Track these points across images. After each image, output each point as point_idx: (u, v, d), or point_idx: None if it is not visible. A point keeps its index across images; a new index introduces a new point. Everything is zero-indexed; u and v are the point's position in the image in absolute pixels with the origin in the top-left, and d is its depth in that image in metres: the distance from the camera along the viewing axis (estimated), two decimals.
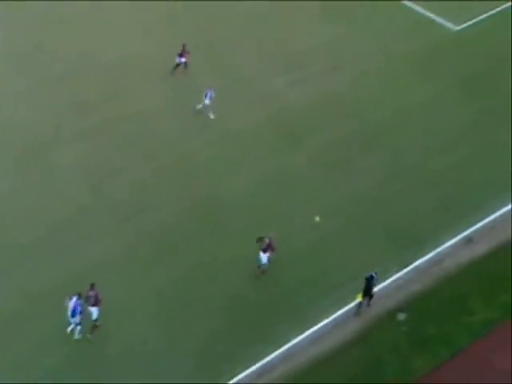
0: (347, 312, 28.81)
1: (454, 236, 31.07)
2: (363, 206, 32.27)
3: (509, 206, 32.46)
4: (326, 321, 28.46)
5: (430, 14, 43.18)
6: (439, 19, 42.79)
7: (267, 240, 29.32)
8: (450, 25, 42.41)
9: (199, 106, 36.65)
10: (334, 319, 28.53)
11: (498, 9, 43.61)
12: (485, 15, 43.01)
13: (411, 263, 30.33)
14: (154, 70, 39.20)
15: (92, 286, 27.49)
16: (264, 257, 29.58)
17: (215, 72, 39.26)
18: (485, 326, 28.29)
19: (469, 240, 31.53)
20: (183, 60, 39.18)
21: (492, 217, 32.11)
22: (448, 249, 30.64)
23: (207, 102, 36.39)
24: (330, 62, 40.03)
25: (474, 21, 42.64)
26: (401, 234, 31.33)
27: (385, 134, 35.63)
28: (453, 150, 35.02)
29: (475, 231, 31.58)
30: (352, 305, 29.15)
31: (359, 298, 29.06)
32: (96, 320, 27.84)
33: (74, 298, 27.16)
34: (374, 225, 31.73)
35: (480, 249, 31.11)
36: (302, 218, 31.88)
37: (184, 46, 39.04)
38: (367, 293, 28.88)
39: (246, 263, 29.95)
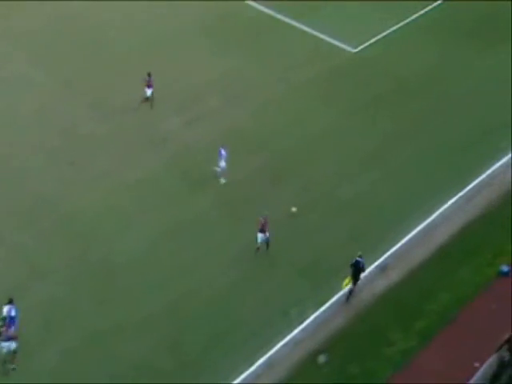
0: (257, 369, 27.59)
1: (369, 265, 30.65)
2: (273, 245, 31.39)
3: (420, 227, 32.50)
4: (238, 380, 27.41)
5: (327, 37, 42.97)
6: (337, 42, 42.68)
7: (262, 220, 30.74)
8: (348, 47, 42.35)
9: (217, 169, 34.03)
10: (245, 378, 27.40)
11: (394, 27, 43.68)
12: (382, 34, 43.10)
13: (328, 299, 29.81)
14: None
15: None
16: (261, 236, 30.94)
17: (101, 118, 37.22)
18: (404, 357, 27.87)
19: (383, 268, 31.27)
20: (150, 92, 37.38)
21: (404, 240, 31.93)
22: (364, 279, 30.22)
23: (223, 164, 33.88)
24: (228, 96, 39.04)
25: (371, 41, 42.70)
26: (314, 269, 30.72)
27: (293, 165, 35.12)
28: (361, 176, 34.73)
29: (389, 258, 31.33)
30: (340, 294, 29.42)
31: (346, 285, 29.25)
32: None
33: None
34: (285, 263, 31.02)
35: (395, 275, 30.84)
36: (207, 270, 30.62)
37: (149, 74, 37.20)
38: (356, 278, 29.31)
39: (152, 329, 28.31)
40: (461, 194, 34.03)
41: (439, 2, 45.93)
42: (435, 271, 31.13)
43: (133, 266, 30.56)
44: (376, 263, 31.05)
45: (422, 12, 45.05)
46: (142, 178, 34.35)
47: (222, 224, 32.41)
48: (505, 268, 30.78)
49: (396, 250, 31.64)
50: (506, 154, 35.96)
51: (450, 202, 33.62)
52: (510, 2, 45.40)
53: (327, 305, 29.57)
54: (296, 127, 37.21)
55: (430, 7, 45.48)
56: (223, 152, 33.82)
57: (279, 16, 44.73)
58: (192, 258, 31.04)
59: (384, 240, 31.75)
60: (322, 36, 43.09)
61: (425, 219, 32.58)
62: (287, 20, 44.33)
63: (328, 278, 30.29)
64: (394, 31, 43.55)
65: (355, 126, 37.19)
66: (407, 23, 44.11)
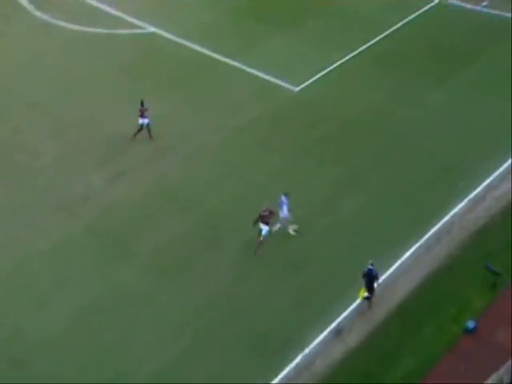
0: None
1: (322, 331, 27.63)
2: (214, 315, 28.12)
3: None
4: None
5: (267, 76, 40.43)
6: (278, 81, 40.10)
7: (266, 212, 30.10)
8: (290, 86, 39.79)
9: (276, 227, 31.28)
10: None
11: (338, 62, 41.48)
12: (326, 70, 40.75)
13: (278, 374, 26.49)
14: None
15: None
16: (265, 229, 30.24)
17: (6, 178, 33.87)
18: None
19: (338, 332, 28.11)
20: (146, 121, 35.62)
21: (359, 300, 28.98)
22: (317, 346, 27.17)
23: (286, 212, 31.26)
24: (157, 145, 35.92)
25: (315, 78, 40.27)
26: (263, 342, 27.42)
27: (233, 223, 31.84)
28: (308, 229, 31.78)
29: (344, 320, 28.19)
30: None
31: (362, 295, 28.31)
32: None
33: None
34: (230, 337, 27.64)
35: (351, 340, 27.64)
36: (137, 349, 27.12)
37: (142, 102, 35.52)
38: (371, 287, 28.36)
39: None
40: (419, 243, 31.30)
41: (386, 33, 43.90)
42: (396, 332, 28.02)
43: (47, 352, 26.76)
44: (329, 328, 27.92)
45: (368, 44, 42.88)
46: (57, 245, 30.73)
47: (155, 293, 28.98)
48: (470, 324, 28.08)
49: (351, 312, 28.59)
50: (466, 196, 33.35)
51: (407, 254, 30.80)
52: (460, 34, 43.72)
53: (277, 379, 26.28)
54: (235, 177, 34.26)
55: (376, 39, 43.37)
56: (284, 199, 31.22)
57: (215, 55, 42.21)
58: (120, 335, 27.54)
59: (337, 301, 28.68)
60: (261, 75, 40.53)
61: (381, 275, 29.65)
62: (223, 59, 41.82)
63: (278, 351, 26.96)
64: (339, 66, 41.22)
65: (301, 173, 34.38)
66: (352, 57, 41.94)
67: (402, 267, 30.29)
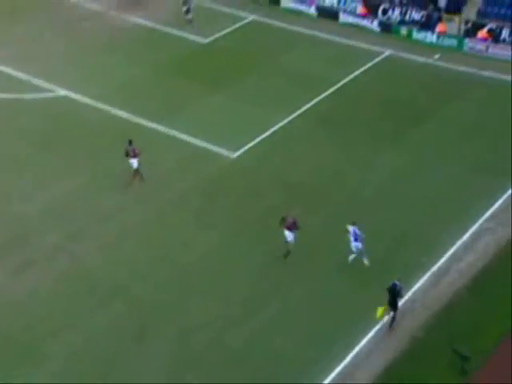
0: None
1: None
2: None
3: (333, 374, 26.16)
4: None
5: (201, 141, 37.49)
6: (213, 147, 37.10)
7: (290, 219, 30.10)
8: (226, 152, 36.76)
9: (351, 257, 30.12)
10: None
11: (279, 125, 38.55)
12: (266, 133, 37.88)
13: None
14: None
15: None
16: (290, 234, 30.17)
17: None
18: None
19: None
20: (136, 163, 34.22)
21: None
22: None
23: (356, 243, 29.92)
24: (70, 228, 32.30)
25: (255, 142, 37.31)
26: None
27: (162, 314, 28.23)
28: (252, 316, 28.11)
29: None
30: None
31: (380, 315, 27.32)
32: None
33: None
34: None
35: None
36: None
37: (131, 141, 34.17)
38: (394, 305, 27.58)
39: None
40: (379, 325, 27.96)
41: (332, 89, 41.68)
42: None
43: None
44: None
45: (313, 103, 40.48)
46: None
47: None
48: None
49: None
50: (428, 269, 30.18)
51: (367, 338, 27.46)
52: (412, 90, 41.75)
53: None
54: (164, 260, 30.66)
55: (321, 97, 41.01)
56: (356, 230, 29.93)
57: (138, 119, 39.28)
58: None
59: None
60: (193, 140, 37.60)
61: (333, 369, 26.40)
62: (148, 123, 38.88)
63: None
64: (281, 128, 38.44)
65: (241, 251, 30.98)
66: (296, 117, 39.36)
67: (362, 353, 27.10)
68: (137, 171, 34.38)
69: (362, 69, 43.91)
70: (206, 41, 47.26)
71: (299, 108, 39.95)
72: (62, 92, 41.95)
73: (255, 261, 30.57)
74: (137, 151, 34.10)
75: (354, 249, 30.06)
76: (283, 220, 30.18)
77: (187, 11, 50.53)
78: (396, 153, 36.42)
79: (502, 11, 46.93)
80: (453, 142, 37.49)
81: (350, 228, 30.12)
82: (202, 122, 39.04)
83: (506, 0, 47.12)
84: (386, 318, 27.98)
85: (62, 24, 49.66)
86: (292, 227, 30.17)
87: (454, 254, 30.75)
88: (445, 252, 30.74)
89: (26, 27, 49.23)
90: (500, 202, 33.51)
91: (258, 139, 37.54)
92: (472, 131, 38.29)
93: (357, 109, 40.26)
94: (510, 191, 34.07)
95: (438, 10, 48.08)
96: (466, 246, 31.11)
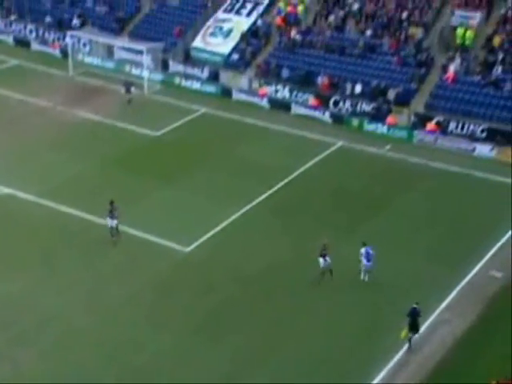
0: None
1: None
2: None
3: None
4: None
5: (152, 237, 37.20)
6: (165, 241, 36.82)
7: (323, 246, 34.22)
8: (177, 246, 36.57)
9: (364, 276, 34.46)
10: None
11: (232, 217, 38.73)
12: (221, 226, 37.99)
13: None
14: None
15: None
16: (322, 261, 34.19)
17: None
18: None
19: None
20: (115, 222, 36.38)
21: None
22: None
23: (368, 264, 34.07)
24: (10, 333, 30.84)
25: (208, 235, 37.28)
26: None
27: None
28: None
29: None
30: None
31: (404, 336, 30.41)
32: None
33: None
34: None
35: None
36: None
37: (112, 202, 36.34)
38: (415, 326, 30.52)
39: None
40: None
41: (286, 180, 42.32)
42: None
43: None
44: None
45: (267, 194, 40.94)
46: None
47: None
48: None
49: None
50: (387, 362, 29.76)
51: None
52: (365, 180, 42.73)
53: None
54: (114, 360, 29.61)
55: (275, 188, 41.57)
56: (369, 250, 33.99)
57: (86, 215, 38.71)
58: None
59: None
60: (143, 235, 37.22)
61: None
62: (96, 219, 38.16)
63: None
64: (235, 220, 38.56)
65: (194, 352, 30.27)
66: (250, 209, 39.63)
67: None
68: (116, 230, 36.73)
69: (315, 160, 44.71)
70: (157, 134, 47.62)
71: (252, 200, 40.21)
72: (6, 190, 41.20)
73: (208, 361, 29.87)
74: (115, 212, 36.46)
75: (366, 268, 34.20)
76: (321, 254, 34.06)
77: (127, 90, 52.05)
78: (351, 244, 36.61)
79: (448, 105, 48.69)
80: (406, 233, 38.03)
81: (363, 250, 33.87)
82: (153, 216, 38.84)
83: (451, 94, 49.09)
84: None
85: (7, 120, 49.41)
86: (325, 254, 34.16)
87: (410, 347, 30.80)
88: (402, 345, 30.73)
89: None
90: (454, 292, 33.86)
91: (211, 233, 37.47)
92: (424, 222, 38.97)
93: (310, 200, 40.74)
94: (463, 281, 34.53)
95: (388, 102, 49.62)
96: (423, 338, 31.19)
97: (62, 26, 60.23)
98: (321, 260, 34.14)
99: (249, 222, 38.79)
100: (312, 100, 50.84)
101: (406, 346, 30.61)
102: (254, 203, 40.21)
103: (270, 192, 41.26)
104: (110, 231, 36.56)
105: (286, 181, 42.45)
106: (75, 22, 59.71)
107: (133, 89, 52.81)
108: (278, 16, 56.22)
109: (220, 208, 39.45)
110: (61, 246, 36.54)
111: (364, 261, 33.88)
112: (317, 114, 50.24)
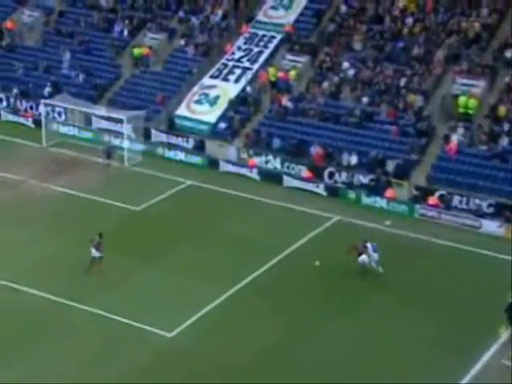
0: None
1: None
2: None
3: None
4: None
5: (131, 321, 36.87)
6: (145, 326, 36.50)
7: (360, 245, 41.03)
8: (161, 332, 36.22)
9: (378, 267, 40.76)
10: None
11: (218, 299, 38.61)
12: (203, 311, 37.71)
13: None
14: None
15: None
16: (361, 259, 40.96)
17: None
18: None
19: None
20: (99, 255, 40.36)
21: None
22: None
23: (375, 254, 41.02)
24: None
25: (192, 320, 36.95)
26: None
27: None
28: None
29: None
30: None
31: (502, 329, 34.15)
32: None
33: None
34: None
35: None
36: None
37: (101, 235, 40.61)
38: None
39: None
40: None
41: (275, 260, 42.13)
42: None
43: None
44: None
45: (256, 274, 40.80)
46: None
47: None
48: None
49: None
50: None
51: None
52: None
53: None
54: None
55: (264, 268, 41.48)
56: (374, 244, 41.11)
57: (59, 299, 38.29)
58: None
59: None
60: (121, 319, 36.83)
61: None
62: (68, 302, 37.88)
63: None
64: (222, 303, 38.43)
65: None
66: (238, 290, 39.52)
67: None
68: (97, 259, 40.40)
69: (309, 236, 44.83)
70: (138, 208, 47.71)
71: (240, 281, 40.07)
72: None
73: None
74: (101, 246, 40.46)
75: (375, 259, 40.75)
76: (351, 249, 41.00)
77: (108, 156, 53.00)
78: (346, 327, 36.65)
79: (451, 177, 49.11)
80: (407, 316, 37.96)
81: (368, 244, 40.96)
82: (134, 299, 38.54)
83: (455, 167, 49.54)
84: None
85: None
86: (362, 253, 40.96)
87: None
88: None
89: None
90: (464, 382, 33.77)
91: (195, 316, 37.17)
92: (426, 304, 38.98)
93: (302, 280, 40.64)
94: (472, 371, 34.29)
95: (386, 174, 50.01)
96: None
97: (34, 94, 60.74)
98: (360, 259, 40.81)
99: (235, 304, 38.57)
100: (305, 172, 51.18)
101: None
102: (242, 283, 40.06)
103: (260, 271, 41.20)
104: (90, 261, 40.32)
105: (277, 259, 42.41)
106: (48, 89, 60.14)
107: (114, 155, 53.32)
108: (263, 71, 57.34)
109: (205, 289, 39.32)
110: (32, 332, 36.13)
111: (374, 254, 40.66)
112: (310, 186, 50.38)
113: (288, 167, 52.01)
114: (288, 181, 51.16)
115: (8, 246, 43.24)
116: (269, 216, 47.23)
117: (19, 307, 37.96)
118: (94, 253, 40.20)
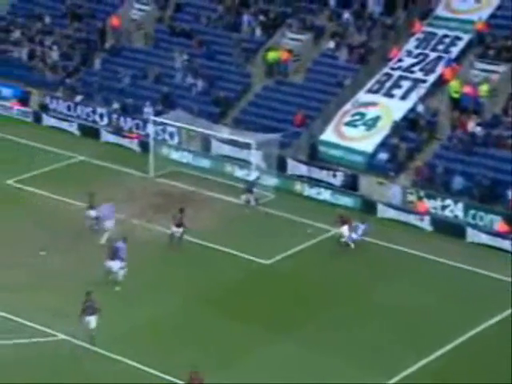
0: None
1: None
2: None
3: None
4: None
5: None
6: None
7: (341, 218, 47.37)
8: None
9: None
10: None
11: None
12: None
13: None
14: None
15: None
16: (345, 230, 47.23)
17: None
18: None
19: None
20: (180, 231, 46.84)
21: None
22: None
23: (355, 235, 47.05)
24: None
25: None
26: None
27: None
28: None
29: None
30: None
31: None
32: None
33: None
34: None
35: None
36: None
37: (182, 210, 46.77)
38: None
39: None
40: None
41: (453, 344, 39.23)
42: None
43: None
44: None
45: (424, 362, 37.82)
46: None
47: None
48: None
49: None
50: None
51: None
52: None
53: None
54: None
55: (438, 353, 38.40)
56: (363, 227, 47.14)
57: (159, 373, 36.85)
58: None
59: None
60: None
61: None
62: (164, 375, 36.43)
63: None
64: None
65: None
66: (403, 378, 37.41)
67: None
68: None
69: (504, 314, 41.92)
70: (267, 262, 46.71)
71: (405, 368, 37.46)
72: (61, 336, 40.21)
73: None
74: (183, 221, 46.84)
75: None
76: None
77: (249, 191, 52.92)
78: None
79: None
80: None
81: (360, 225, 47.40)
82: (255, 378, 37.10)
83: None
84: None
85: (68, 236, 48.18)
86: (345, 223, 47.02)
87: None
88: None
89: None
90: None
91: None
92: None
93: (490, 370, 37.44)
94: None
95: None
96: None
97: (141, 109, 60.79)
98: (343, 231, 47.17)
99: None
100: (499, 224, 48.23)
101: None
102: (408, 371, 37.93)
103: (428, 360, 38.79)
104: (169, 237, 46.78)
105: (453, 344, 39.79)
106: (158, 104, 60.12)
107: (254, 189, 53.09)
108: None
109: (356, 375, 37.68)
110: None
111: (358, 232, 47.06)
112: (506, 244, 47.50)
113: (474, 216, 49.51)
114: (473, 235, 48.78)
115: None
116: (446, 282, 45.35)
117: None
118: (175, 230, 46.53)
